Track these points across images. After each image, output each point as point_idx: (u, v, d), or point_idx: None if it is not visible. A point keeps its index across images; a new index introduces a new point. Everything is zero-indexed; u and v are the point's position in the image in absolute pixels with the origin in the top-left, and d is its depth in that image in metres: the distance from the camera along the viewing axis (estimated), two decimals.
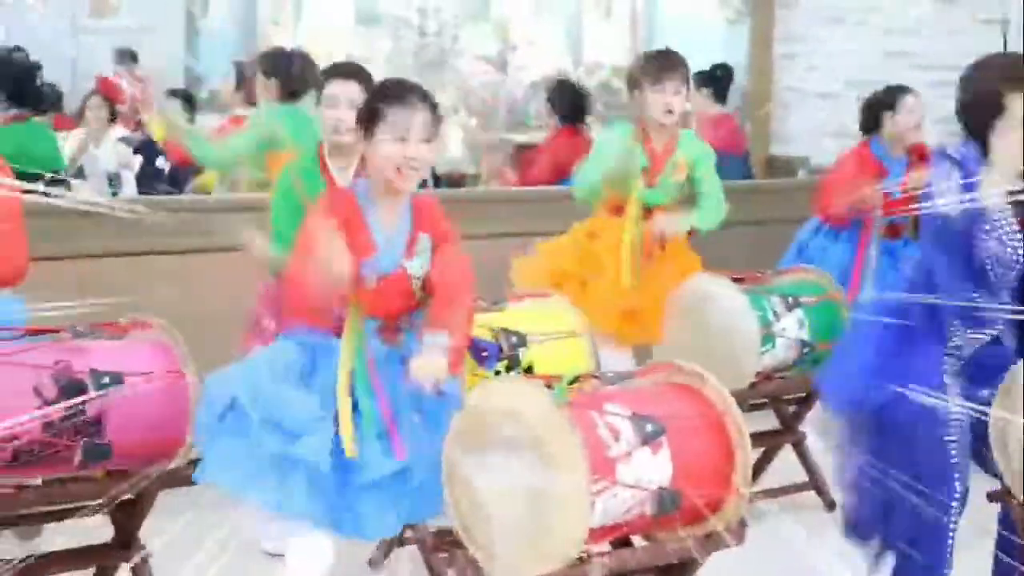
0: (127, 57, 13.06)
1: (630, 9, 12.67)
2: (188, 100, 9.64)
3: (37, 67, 6.90)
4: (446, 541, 3.88)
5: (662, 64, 5.55)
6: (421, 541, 4.47)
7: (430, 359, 3.67)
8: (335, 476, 3.71)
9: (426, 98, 3.91)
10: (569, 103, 7.94)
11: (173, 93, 9.86)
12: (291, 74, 5.95)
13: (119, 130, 9.89)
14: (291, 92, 5.92)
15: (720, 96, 9.00)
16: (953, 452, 3.88)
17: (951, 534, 3.91)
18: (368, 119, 3.89)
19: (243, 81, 7.68)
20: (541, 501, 3.36)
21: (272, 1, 14.01)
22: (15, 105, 6.71)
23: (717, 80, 8.96)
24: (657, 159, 5.52)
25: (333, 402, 3.80)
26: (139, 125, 11.42)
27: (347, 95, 4.70)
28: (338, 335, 3.90)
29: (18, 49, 7.56)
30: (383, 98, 3.91)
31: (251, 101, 6.94)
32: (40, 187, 6.34)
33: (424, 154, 3.86)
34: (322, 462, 3.69)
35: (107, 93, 10.41)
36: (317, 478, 3.69)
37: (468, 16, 12.72)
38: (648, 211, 5.50)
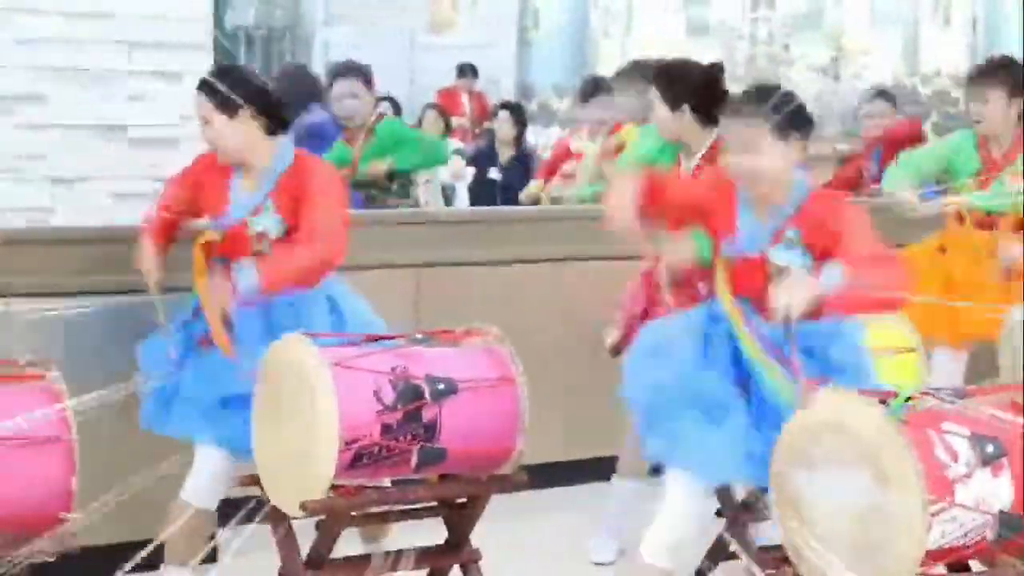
0: (468, 71, 13.42)
1: (970, 16, 12.25)
2: (518, 113, 9.80)
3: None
4: (773, 558, 3.82)
5: (976, 72, 5.60)
6: (747, 557, 4.41)
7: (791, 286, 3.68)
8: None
9: None
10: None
11: (504, 106, 10.05)
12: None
13: (454, 142, 10.16)
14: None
15: None
16: None
17: None
18: None
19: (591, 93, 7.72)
20: (874, 520, 3.28)
21: (603, 13, 14.15)
22: None
23: None
24: (993, 165, 5.45)
25: (730, 379, 3.90)
26: (474, 137, 11.72)
27: None
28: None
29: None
30: None
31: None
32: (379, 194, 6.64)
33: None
34: (749, 438, 3.77)
35: (445, 107, 10.72)
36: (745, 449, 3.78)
37: (800, 25, 12.54)
38: (987, 216, 5.39)
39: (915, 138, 7.30)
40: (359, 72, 6.67)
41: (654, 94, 4.94)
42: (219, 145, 4.35)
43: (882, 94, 8.30)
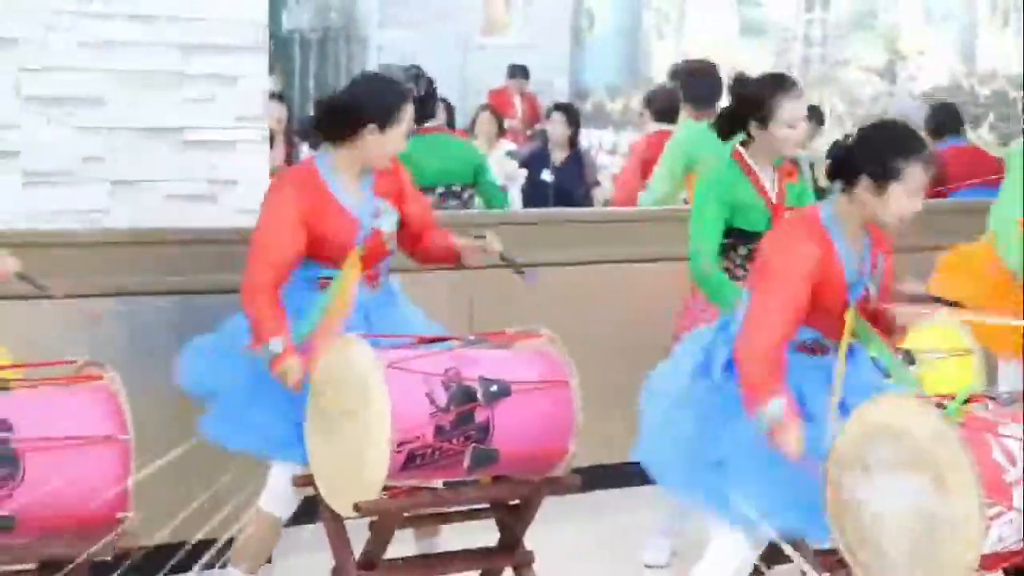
0: (519, 72, 13.41)
1: None
2: (571, 114, 9.78)
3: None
4: (829, 560, 3.80)
5: None
6: (804, 560, 4.39)
7: None
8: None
9: None
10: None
11: (558, 107, 10.03)
12: (703, 88, 6.01)
13: (507, 144, 10.15)
14: (704, 106, 5.98)
15: None
16: None
17: None
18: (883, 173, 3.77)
19: (657, 97, 7.69)
20: (930, 524, 3.26)
21: (656, 14, 14.11)
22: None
23: None
24: None
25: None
26: (526, 139, 11.71)
27: (803, 114, 4.69)
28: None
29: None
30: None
31: (663, 118, 6.98)
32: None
33: None
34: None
35: (497, 108, 10.71)
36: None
37: (855, 25, 12.45)
38: None
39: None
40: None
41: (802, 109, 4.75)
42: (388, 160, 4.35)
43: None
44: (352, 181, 4.32)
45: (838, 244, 3.80)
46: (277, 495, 4.35)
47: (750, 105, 4.68)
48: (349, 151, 4.29)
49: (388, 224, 4.36)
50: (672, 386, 3.99)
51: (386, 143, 4.28)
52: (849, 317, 3.83)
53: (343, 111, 4.29)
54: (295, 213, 4.20)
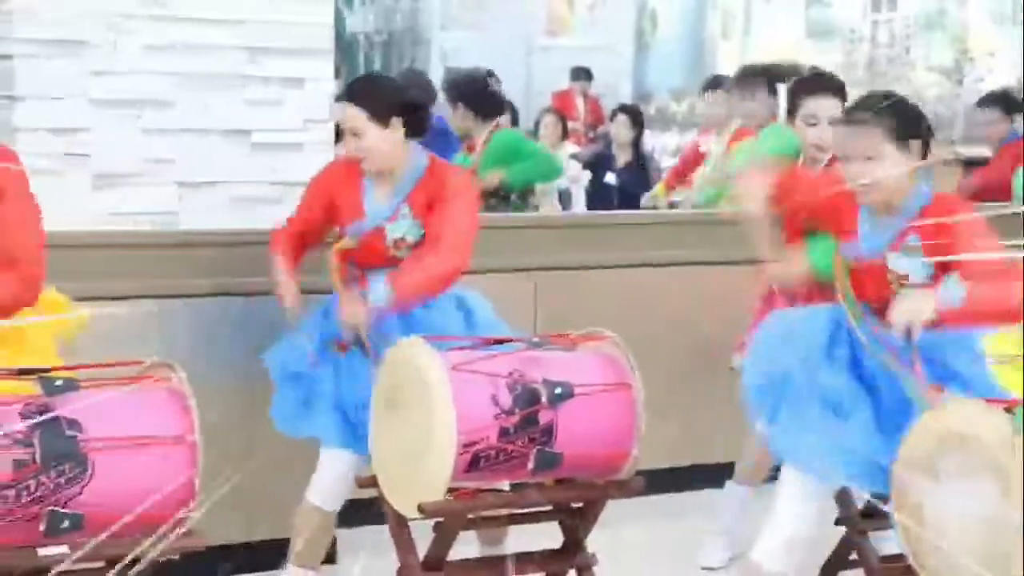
0: (582, 74, 13.40)
1: None
2: (635, 116, 9.78)
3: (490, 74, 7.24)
4: (895, 567, 3.78)
5: None
6: (868, 566, 4.37)
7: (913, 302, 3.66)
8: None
9: None
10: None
11: (622, 109, 10.03)
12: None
13: (570, 146, 10.15)
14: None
15: None
16: None
17: None
18: None
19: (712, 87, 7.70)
20: (999, 532, 3.22)
21: (722, 15, 14.06)
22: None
23: None
24: None
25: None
26: (589, 141, 11.70)
27: (827, 112, 4.67)
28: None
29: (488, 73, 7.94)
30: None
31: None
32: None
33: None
34: (873, 441, 3.75)
35: (560, 110, 10.71)
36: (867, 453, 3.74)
37: (922, 26, 12.34)
38: None
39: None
40: None
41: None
42: (372, 156, 4.31)
43: (993, 100, 8.14)
44: (386, 181, 4.37)
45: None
46: (323, 486, 4.37)
47: (788, 102, 4.85)
48: None
49: (399, 230, 4.35)
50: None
51: (381, 143, 4.32)
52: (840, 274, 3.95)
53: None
54: (324, 188, 4.43)
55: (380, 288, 4.20)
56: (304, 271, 4.51)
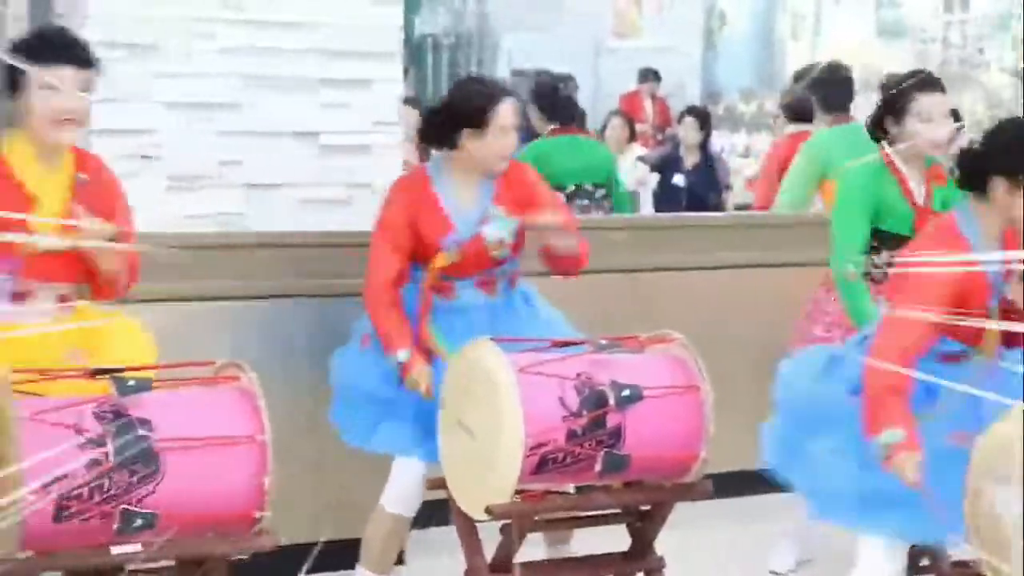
0: (650, 76, 13.36)
1: None
2: (703, 118, 9.74)
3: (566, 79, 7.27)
4: (968, 573, 3.74)
5: None
6: (939, 571, 4.32)
7: None
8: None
9: None
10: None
11: (690, 111, 9.99)
12: (835, 92, 5.94)
13: (638, 148, 10.12)
14: (838, 110, 5.92)
15: None
16: None
17: None
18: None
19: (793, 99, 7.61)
20: None
21: (791, 16, 13.97)
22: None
23: None
24: None
25: None
26: (657, 143, 11.66)
27: (941, 108, 4.62)
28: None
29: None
30: None
31: (798, 118, 6.91)
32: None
33: None
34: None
35: (628, 112, 10.69)
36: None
37: (995, 27, 12.21)
38: None
39: None
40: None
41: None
42: (510, 153, 4.39)
43: None
44: (466, 186, 4.37)
45: (978, 251, 3.73)
46: (398, 494, 4.39)
47: (888, 102, 4.67)
48: (458, 156, 4.36)
49: (496, 231, 4.34)
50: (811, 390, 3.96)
51: (486, 145, 4.30)
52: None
53: (438, 118, 4.39)
54: (402, 219, 4.33)
55: (500, 217, 4.28)
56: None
